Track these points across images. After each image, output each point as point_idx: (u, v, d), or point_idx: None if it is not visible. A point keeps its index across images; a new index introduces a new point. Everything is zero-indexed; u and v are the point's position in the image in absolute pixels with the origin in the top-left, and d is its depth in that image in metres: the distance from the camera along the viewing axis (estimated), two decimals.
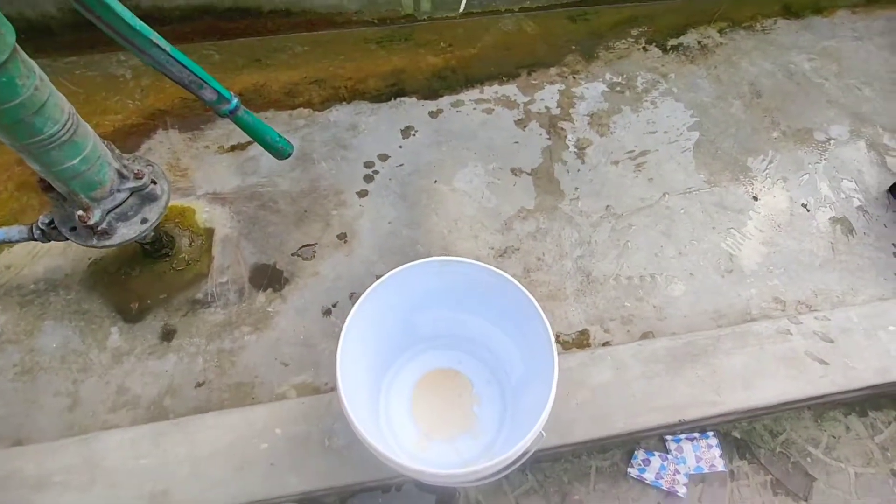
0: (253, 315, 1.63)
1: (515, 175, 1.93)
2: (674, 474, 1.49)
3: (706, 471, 1.50)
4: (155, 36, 1.01)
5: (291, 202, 1.85)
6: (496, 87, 2.16)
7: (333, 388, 1.46)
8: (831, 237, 1.82)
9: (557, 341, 1.60)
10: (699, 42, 2.37)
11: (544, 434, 0.94)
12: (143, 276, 1.68)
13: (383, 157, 1.96)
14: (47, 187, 1.31)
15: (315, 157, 1.95)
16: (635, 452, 1.52)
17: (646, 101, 2.14)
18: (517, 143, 2.01)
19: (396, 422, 1.32)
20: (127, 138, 1.96)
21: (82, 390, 1.49)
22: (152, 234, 1.52)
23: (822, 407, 1.58)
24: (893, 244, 1.81)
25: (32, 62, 1.03)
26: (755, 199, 1.90)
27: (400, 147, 1.99)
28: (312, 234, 1.79)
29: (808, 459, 1.53)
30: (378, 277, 1.73)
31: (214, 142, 1.98)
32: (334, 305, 1.65)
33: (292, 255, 1.74)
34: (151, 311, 1.63)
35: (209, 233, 1.78)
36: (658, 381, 1.35)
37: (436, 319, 1.31)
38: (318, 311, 1.64)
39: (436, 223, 1.80)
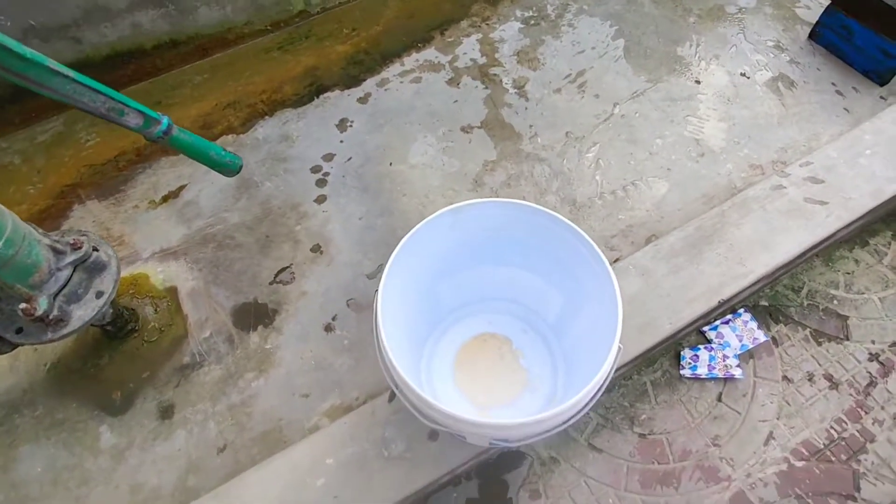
0: (252, 359, 1.48)
1: (467, 133, 1.86)
2: (723, 360, 1.48)
3: (751, 346, 1.50)
4: (52, 62, 0.85)
5: (249, 232, 1.70)
6: (415, 55, 2.08)
7: (366, 401, 1.35)
8: (777, 95, 1.86)
9: None
10: None
11: (622, 347, 0.88)
12: (116, 361, 1.49)
13: (328, 157, 1.83)
14: None
15: (256, 180, 1.80)
16: (681, 353, 1.50)
17: (563, 25, 2.12)
18: (456, 101, 1.94)
19: (449, 405, 1.22)
20: (41, 224, 1.73)
21: None
22: (110, 310, 1.34)
23: (827, 250, 1.61)
24: (832, 83, 1.88)
25: None
26: (697, 82, 1.92)
27: (341, 142, 1.87)
28: (284, 256, 1.64)
29: (835, 302, 1.56)
30: (368, 276, 1.63)
31: (142, 198, 1.79)
32: (334, 318, 1.52)
33: (270, 283, 1.60)
34: (139, 395, 1.44)
35: (172, 292, 1.60)
36: (685, 272, 1.33)
37: (458, 286, 1.21)
38: (319, 330, 1.50)
39: (407, 203, 1.71)
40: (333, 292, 1.57)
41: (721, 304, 1.32)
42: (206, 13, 2.02)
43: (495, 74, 2.00)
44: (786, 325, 1.54)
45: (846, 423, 1.39)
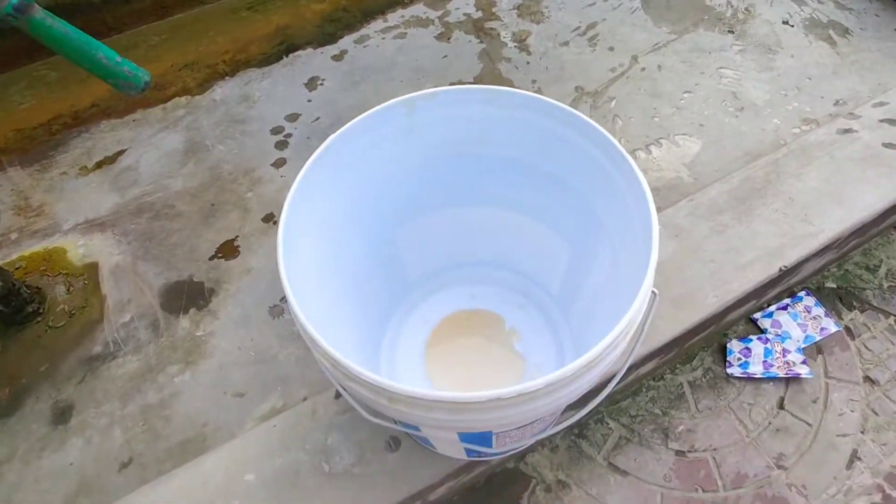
0: (179, 348, 1.17)
1: None
2: (783, 355, 1.13)
3: (818, 338, 1.16)
4: None
5: (192, 200, 1.41)
6: (400, 11, 1.81)
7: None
8: (829, 43, 1.56)
9: None
10: None
11: (657, 293, 0.56)
12: (10, 352, 1.19)
13: (293, 118, 1.55)
14: None
15: (207, 143, 1.52)
16: (728, 346, 1.16)
17: None
18: (446, 56, 1.66)
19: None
20: None
21: None
22: None
23: None
24: (895, 29, 1.57)
25: None
26: (731, 32, 1.62)
27: (309, 101, 1.59)
28: (230, 226, 1.35)
29: None
30: None
31: (73, 164, 1.51)
32: (283, 300, 1.21)
33: (210, 259, 1.30)
34: (31, 393, 1.14)
35: (91, 269, 1.31)
36: (732, 231, 1.00)
37: (424, 237, 0.89)
38: (264, 314, 1.20)
39: None
40: None
41: (782, 273, 0.99)
42: None
43: (492, 28, 1.72)
44: (862, 311, 1.20)
45: None
